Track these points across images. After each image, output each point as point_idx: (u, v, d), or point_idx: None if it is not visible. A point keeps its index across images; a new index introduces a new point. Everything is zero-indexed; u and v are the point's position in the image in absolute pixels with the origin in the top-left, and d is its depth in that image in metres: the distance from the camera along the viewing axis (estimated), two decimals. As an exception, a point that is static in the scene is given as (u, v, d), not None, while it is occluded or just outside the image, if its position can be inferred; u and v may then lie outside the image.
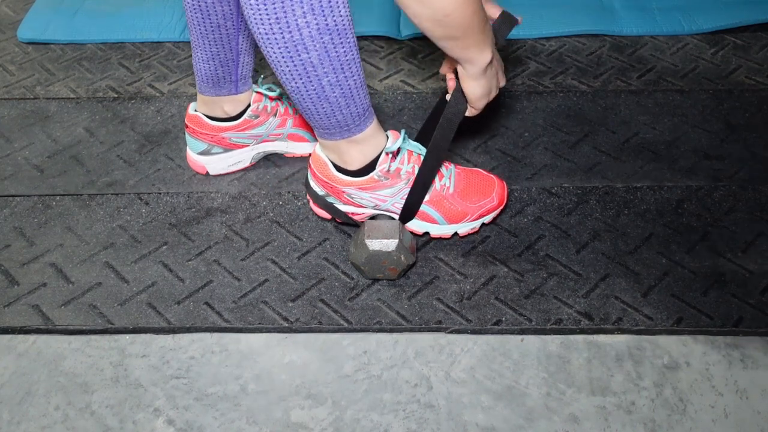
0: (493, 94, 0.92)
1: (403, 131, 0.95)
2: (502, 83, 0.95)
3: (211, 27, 0.98)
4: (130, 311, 0.95)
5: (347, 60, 0.83)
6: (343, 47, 0.81)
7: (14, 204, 1.10)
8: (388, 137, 0.94)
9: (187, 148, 1.13)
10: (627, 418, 0.84)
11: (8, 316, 0.94)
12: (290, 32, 0.78)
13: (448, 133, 0.93)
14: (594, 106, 1.25)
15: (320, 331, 0.93)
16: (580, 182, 1.11)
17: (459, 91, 0.90)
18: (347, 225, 1.05)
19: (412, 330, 0.93)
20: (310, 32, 0.78)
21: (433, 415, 0.84)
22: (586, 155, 1.16)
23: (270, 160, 1.16)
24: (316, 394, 0.87)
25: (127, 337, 0.93)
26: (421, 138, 1.01)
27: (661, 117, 1.23)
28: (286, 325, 0.93)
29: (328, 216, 1.02)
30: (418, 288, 0.97)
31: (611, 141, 1.18)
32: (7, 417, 0.85)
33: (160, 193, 1.11)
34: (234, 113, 1.08)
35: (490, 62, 0.86)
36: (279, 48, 0.80)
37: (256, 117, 1.09)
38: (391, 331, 0.93)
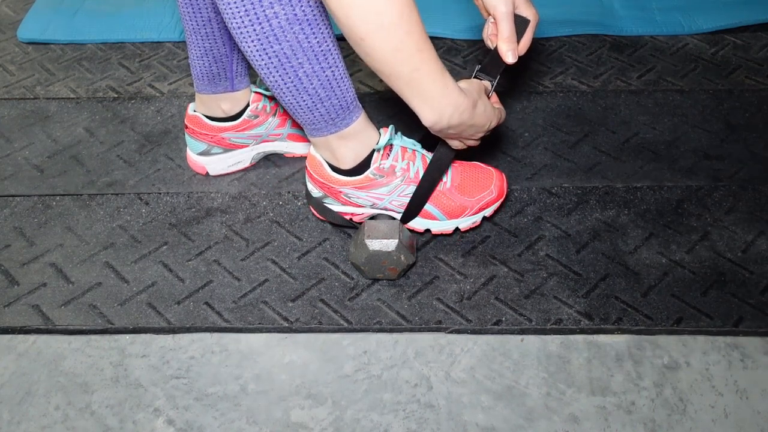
0: (478, 133, 0.89)
1: (391, 127, 0.95)
2: (495, 123, 0.89)
3: (203, 21, 0.98)
4: (130, 311, 0.95)
5: (322, 50, 0.83)
6: (315, 37, 0.81)
7: (14, 204, 1.10)
8: (380, 134, 0.94)
9: (187, 149, 1.13)
10: (627, 418, 0.84)
11: (8, 316, 0.94)
12: (260, 24, 0.78)
13: (443, 166, 0.95)
14: (594, 106, 1.25)
15: (320, 331, 0.93)
16: (580, 182, 1.11)
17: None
18: (348, 226, 1.04)
19: (412, 330, 0.93)
20: (279, 23, 0.79)
21: (433, 415, 0.84)
22: (586, 155, 1.16)
23: (270, 160, 1.16)
24: (316, 394, 0.87)
25: (127, 337, 0.93)
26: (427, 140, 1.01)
27: (661, 117, 1.23)
28: (286, 325, 0.93)
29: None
30: (418, 288, 0.97)
31: (611, 141, 1.18)
32: (7, 417, 0.85)
33: (160, 193, 1.11)
34: (232, 112, 1.08)
35: (446, 127, 0.82)
36: (251, 40, 0.80)
37: (256, 117, 1.09)
38: (391, 331, 0.93)
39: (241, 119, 1.08)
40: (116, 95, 1.31)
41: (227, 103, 1.07)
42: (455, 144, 0.91)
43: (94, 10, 1.50)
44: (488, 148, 1.17)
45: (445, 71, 0.79)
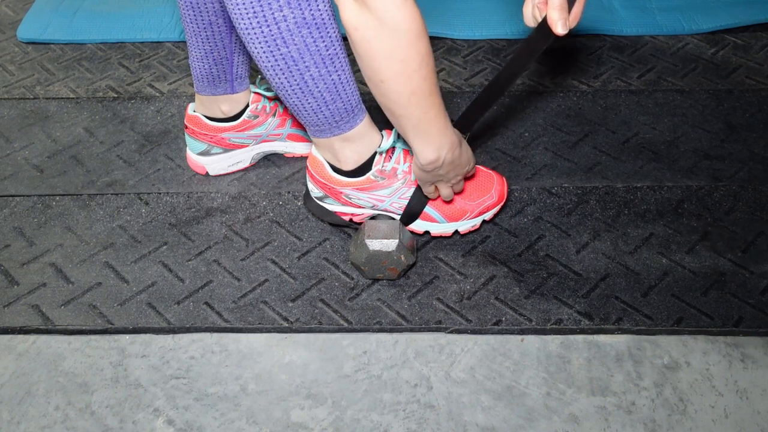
0: (452, 181, 0.91)
1: (395, 130, 0.95)
2: (465, 172, 0.92)
3: (203, 24, 0.98)
4: (130, 311, 0.95)
5: (329, 54, 0.83)
6: (323, 41, 0.81)
7: (14, 204, 1.10)
8: (383, 136, 0.94)
9: (187, 149, 1.13)
10: (627, 418, 0.84)
11: (8, 316, 0.94)
12: (269, 26, 0.79)
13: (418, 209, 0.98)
14: (594, 106, 1.25)
15: (320, 331, 0.93)
16: (580, 182, 1.11)
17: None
18: (348, 226, 1.05)
19: (412, 330, 0.93)
20: (288, 26, 0.79)
21: (433, 415, 0.84)
22: (586, 155, 1.16)
23: (270, 160, 1.16)
24: (316, 394, 0.87)
25: (127, 337, 0.93)
26: None
27: (661, 117, 1.23)
28: (286, 325, 0.93)
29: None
30: (418, 288, 0.97)
31: (611, 141, 1.18)
32: (7, 417, 0.85)
33: (160, 193, 1.11)
34: (231, 113, 1.08)
35: (440, 166, 0.85)
36: (259, 42, 0.80)
37: (256, 117, 1.09)
38: (391, 331, 0.93)
39: (240, 119, 1.08)
40: (116, 95, 1.31)
41: (226, 104, 1.07)
42: (429, 190, 0.93)
43: (94, 10, 1.50)
44: (488, 147, 1.17)
45: (445, 110, 0.82)
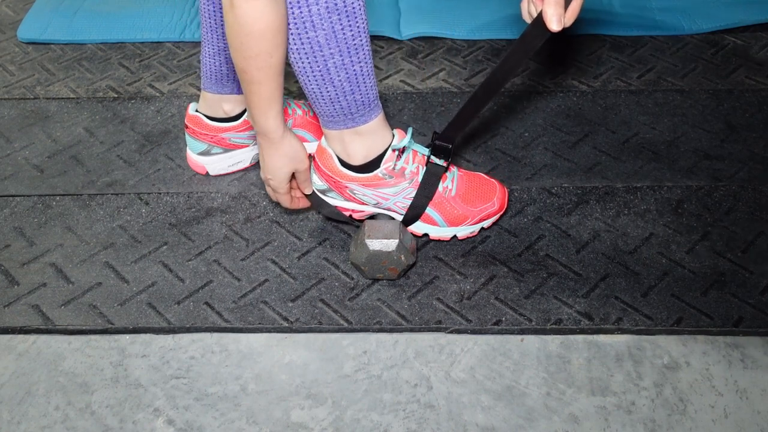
0: (271, 185, 0.95)
1: (410, 130, 0.95)
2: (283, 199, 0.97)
3: (221, 21, 0.98)
4: (130, 311, 0.95)
5: (354, 44, 0.83)
6: (351, 30, 0.82)
7: (14, 204, 1.10)
8: (394, 136, 0.94)
9: (187, 149, 1.13)
10: (627, 418, 0.84)
11: (8, 316, 0.94)
12: (300, 8, 0.79)
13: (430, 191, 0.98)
14: (594, 106, 1.25)
15: (320, 331, 0.93)
16: (580, 182, 1.11)
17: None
18: (346, 224, 1.05)
19: (412, 330, 0.93)
20: (319, 10, 0.80)
21: (433, 415, 0.84)
22: (586, 155, 1.16)
23: (270, 160, 1.16)
24: (316, 394, 0.87)
25: (127, 337, 0.93)
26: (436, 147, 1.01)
27: (661, 117, 1.23)
28: (286, 325, 0.93)
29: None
30: (418, 288, 0.97)
31: (611, 141, 1.18)
32: (7, 417, 0.85)
33: (160, 193, 1.11)
34: (233, 113, 1.08)
35: (270, 146, 0.89)
36: (288, 24, 0.80)
37: (256, 117, 1.09)
38: (391, 331, 0.93)
39: (241, 120, 1.08)
40: (116, 95, 1.31)
41: (229, 104, 1.07)
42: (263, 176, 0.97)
43: (94, 10, 1.50)
44: (488, 147, 1.17)
45: (273, 108, 0.85)
